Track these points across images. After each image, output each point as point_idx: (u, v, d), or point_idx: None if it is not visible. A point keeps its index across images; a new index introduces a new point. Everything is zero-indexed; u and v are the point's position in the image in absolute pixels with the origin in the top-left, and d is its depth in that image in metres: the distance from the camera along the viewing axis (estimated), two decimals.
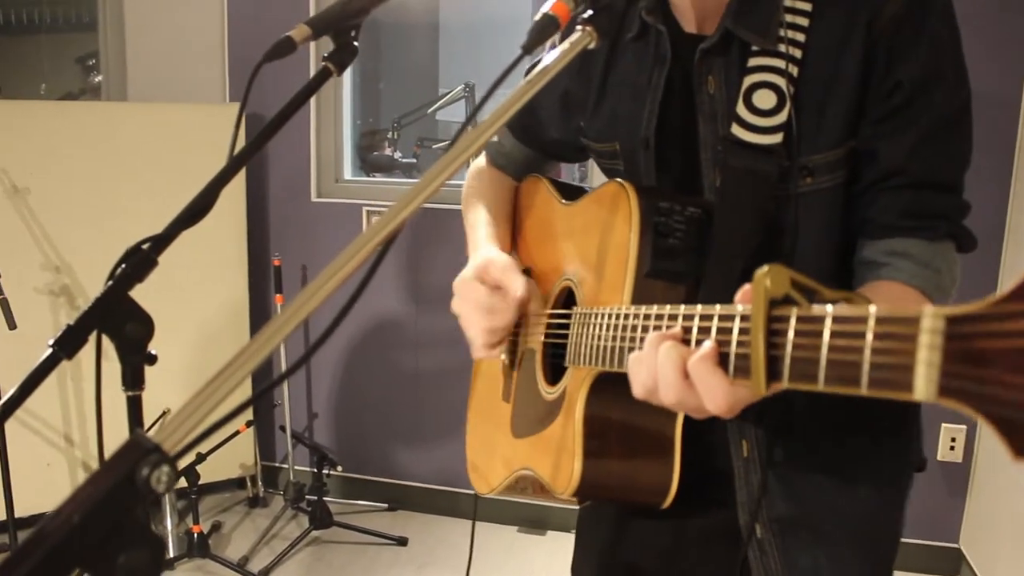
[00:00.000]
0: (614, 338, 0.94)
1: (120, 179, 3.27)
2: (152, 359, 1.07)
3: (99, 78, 4.15)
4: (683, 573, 1.24)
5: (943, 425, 3.20)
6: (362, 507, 3.70)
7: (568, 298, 1.18)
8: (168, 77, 3.69)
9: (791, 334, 0.65)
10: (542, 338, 1.20)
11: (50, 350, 0.98)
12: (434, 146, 5.07)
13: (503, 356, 1.30)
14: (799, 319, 0.65)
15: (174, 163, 3.28)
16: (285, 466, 3.67)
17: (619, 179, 1.07)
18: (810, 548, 1.12)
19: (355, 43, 1.20)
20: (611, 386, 1.02)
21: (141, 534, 0.61)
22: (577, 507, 1.29)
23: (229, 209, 3.38)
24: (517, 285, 1.15)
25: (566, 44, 0.89)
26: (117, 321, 1.02)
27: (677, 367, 0.77)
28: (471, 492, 1.37)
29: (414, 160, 4.97)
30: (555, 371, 1.17)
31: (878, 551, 1.16)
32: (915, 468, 1.19)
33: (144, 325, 1.04)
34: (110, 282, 1.01)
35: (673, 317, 0.82)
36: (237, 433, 3.29)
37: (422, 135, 4.98)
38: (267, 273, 3.55)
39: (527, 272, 1.27)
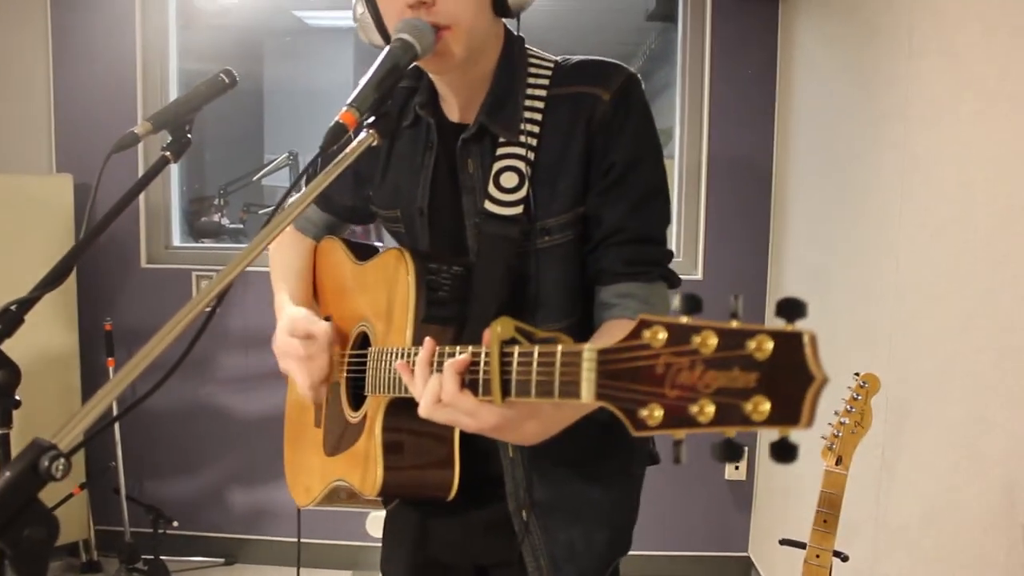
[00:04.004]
0: None
1: None
2: (18, 403, 1.26)
3: None
4: (474, 558, 1.50)
5: None
6: (199, 563, 3.77)
7: (364, 341, 1.43)
8: None
9: (515, 364, 0.96)
10: (345, 373, 1.46)
11: None
12: (260, 211, 5.20)
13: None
14: (520, 354, 0.95)
15: (3, 234, 3.32)
16: (120, 528, 3.68)
17: (398, 247, 1.35)
18: (566, 527, 1.41)
19: (188, 135, 1.44)
20: (402, 408, 1.27)
21: (41, 514, 0.83)
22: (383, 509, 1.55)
23: None
24: (322, 330, 1.41)
25: (355, 142, 1.15)
26: None
27: (434, 393, 1.07)
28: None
29: (241, 225, 5.09)
30: (356, 399, 1.42)
31: (618, 525, 1.46)
32: (650, 462, 1.52)
33: (12, 373, 1.24)
34: None
35: (442, 354, 1.09)
36: (70, 496, 3.26)
37: (248, 201, 5.09)
38: (99, 337, 3.60)
39: (327, 319, 1.52)
